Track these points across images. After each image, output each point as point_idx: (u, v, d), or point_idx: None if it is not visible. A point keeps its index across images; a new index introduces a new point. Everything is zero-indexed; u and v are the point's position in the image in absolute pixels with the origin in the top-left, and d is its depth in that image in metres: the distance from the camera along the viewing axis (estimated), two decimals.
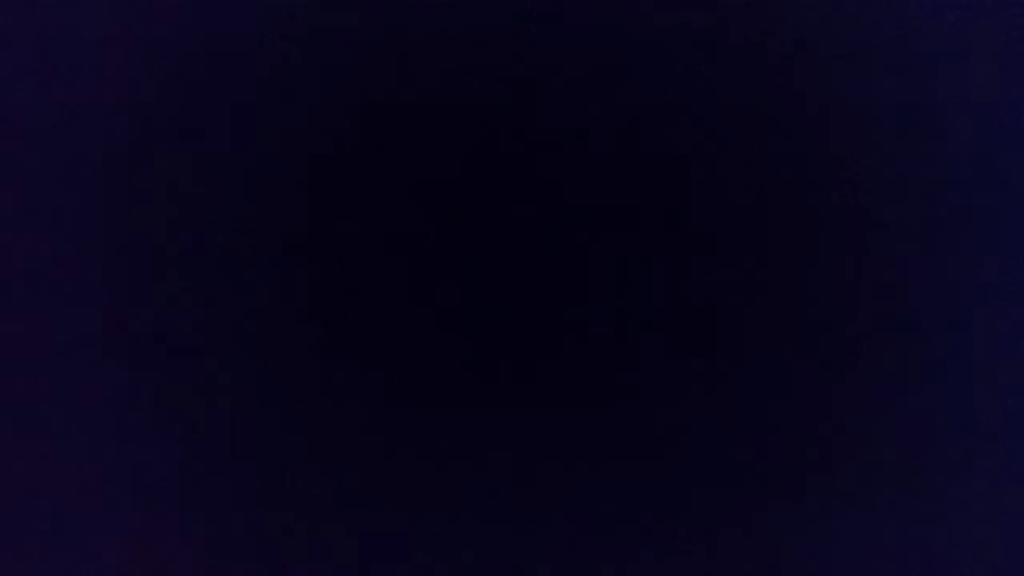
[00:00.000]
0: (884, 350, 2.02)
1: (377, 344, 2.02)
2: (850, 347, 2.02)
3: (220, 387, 2.01)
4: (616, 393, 2.02)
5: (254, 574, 2.00)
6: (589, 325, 2.02)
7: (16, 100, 2.05)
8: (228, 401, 2.01)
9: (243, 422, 2.01)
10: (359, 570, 2.00)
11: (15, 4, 2.05)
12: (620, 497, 2.00)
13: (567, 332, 2.02)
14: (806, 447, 2.00)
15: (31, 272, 2.03)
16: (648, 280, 2.03)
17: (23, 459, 2.01)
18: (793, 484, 2.00)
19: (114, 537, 2.00)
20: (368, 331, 2.03)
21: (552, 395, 2.02)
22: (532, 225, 2.04)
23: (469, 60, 2.05)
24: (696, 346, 2.02)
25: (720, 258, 2.03)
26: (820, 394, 2.01)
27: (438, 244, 2.04)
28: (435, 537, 2.01)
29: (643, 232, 2.04)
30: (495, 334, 2.02)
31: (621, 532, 2.00)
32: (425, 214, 2.04)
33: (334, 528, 2.00)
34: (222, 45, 2.05)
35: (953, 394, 2.01)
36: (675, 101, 2.05)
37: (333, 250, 2.04)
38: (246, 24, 2.06)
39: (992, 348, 2.02)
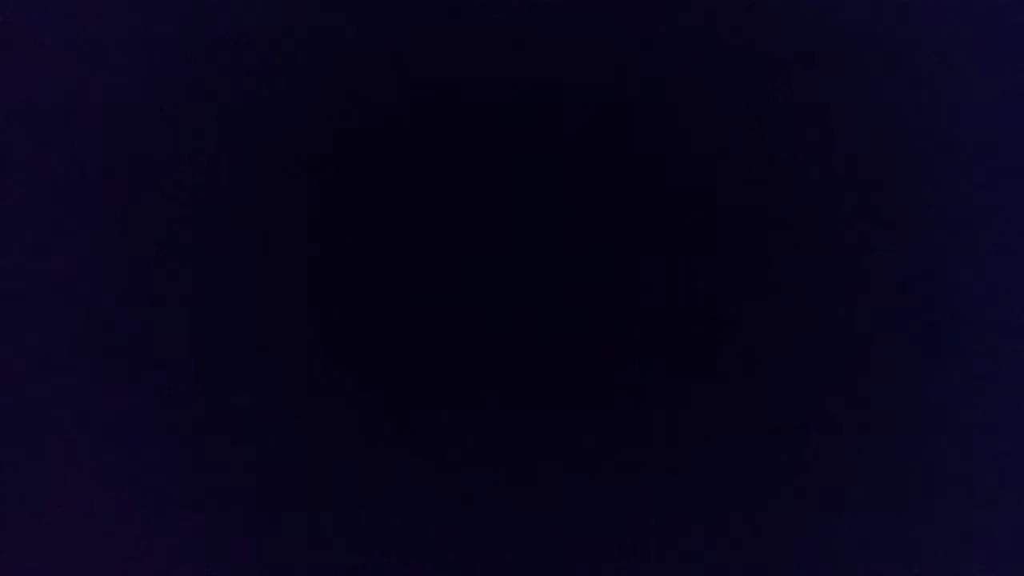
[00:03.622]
0: (885, 350, 2.02)
1: (377, 344, 2.02)
2: (850, 347, 2.02)
3: (219, 387, 2.01)
4: (616, 393, 2.01)
5: (254, 574, 2.00)
6: (589, 325, 2.02)
7: (16, 100, 2.05)
8: (227, 401, 2.01)
9: (243, 422, 2.01)
10: (358, 570, 2.00)
11: (15, 4, 2.05)
12: (619, 498, 2.00)
13: (567, 332, 2.02)
14: (806, 447, 2.00)
15: (31, 272, 2.03)
16: (648, 280, 2.03)
17: (23, 459, 2.01)
18: (793, 484, 2.00)
19: (114, 537, 2.00)
20: (368, 331, 2.02)
21: (552, 395, 2.02)
22: (531, 225, 2.04)
23: (468, 60, 2.05)
24: (695, 346, 2.02)
25: (719, 258, 2.03)
26: (820, 394, 2.01)
27: (438, 244, 2.04)
28: (435, 537, 2.00)
29: (643, 232, 2.03)
30: (495, 333, 2.02)
31: (620, 533, 2.00)
32: (425, 214, 2.04)
33: (334, 528, 2.00)
34: (222, 45, 2.05)
35: (953, 394, 2.01)
36: (674, 101, 2.05)
37: (333, 250, 2.03)
38: (246, 24, 2.06)
39: (992, 348, 2.01)
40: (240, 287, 2.03)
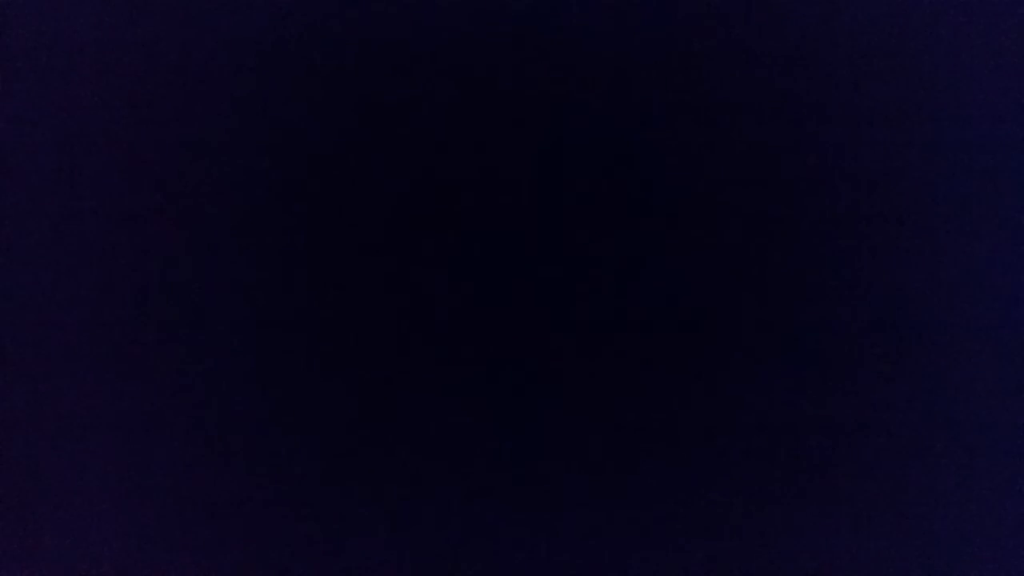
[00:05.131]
0: (884, 350, 2.02)
1: (378, 345, 2.02)
2: (850, 347, 2.02)
3: (219, 388, 2.01)
4: (616, 393, 2.02)
5: (253, 574, 2.00)
6: (589, 325, 2.02)
7: (17, 100, 2.05)
8: (227, 401, 2.01)
9: (242, 422, 2.01)
10: (358, 569, 2.00)
11: (16, 5, 2.05)
12: (619, 497, 2.00)
13: (567, 332, 2.02)
14: (805, 447, 2.00)
15: (31, 272, 2.03)
16: (648, 280, 2.03)
17: (23, 459, 2.01)
18: (792, 484, 2.00)
19: (114, 537, 2.00)
20: (369, 332, 2.03)
21: (552, 395, 2.02)
22: (531, 225, 2.04)
23: (470, 60, 2.05)
24: (696, 346, 2.02)
25: (719, 258, 2.03)
26: (819, 394, 2.01)
27: (438, 245, 2.04)
28: (435, 537, 2.01)
29: (643, 233, 2.04)
30: (496, 334, 2.02)
31: (620, 532, 2.00)
32: (425, 214, 2.04)
33: (334, 528, 2.00)
34: (222, 45, 2.06)
35: (952, 394, 2.01)
36: (673, 101, 2.05)
37: (333, 250, 2.04)
38: (245, 24, 2.06)
39: (992, 348, 2.01)
40: (242, 287, 2.03)
